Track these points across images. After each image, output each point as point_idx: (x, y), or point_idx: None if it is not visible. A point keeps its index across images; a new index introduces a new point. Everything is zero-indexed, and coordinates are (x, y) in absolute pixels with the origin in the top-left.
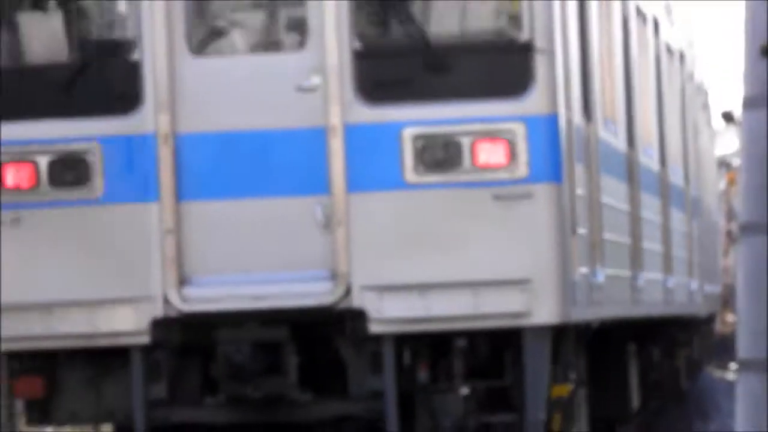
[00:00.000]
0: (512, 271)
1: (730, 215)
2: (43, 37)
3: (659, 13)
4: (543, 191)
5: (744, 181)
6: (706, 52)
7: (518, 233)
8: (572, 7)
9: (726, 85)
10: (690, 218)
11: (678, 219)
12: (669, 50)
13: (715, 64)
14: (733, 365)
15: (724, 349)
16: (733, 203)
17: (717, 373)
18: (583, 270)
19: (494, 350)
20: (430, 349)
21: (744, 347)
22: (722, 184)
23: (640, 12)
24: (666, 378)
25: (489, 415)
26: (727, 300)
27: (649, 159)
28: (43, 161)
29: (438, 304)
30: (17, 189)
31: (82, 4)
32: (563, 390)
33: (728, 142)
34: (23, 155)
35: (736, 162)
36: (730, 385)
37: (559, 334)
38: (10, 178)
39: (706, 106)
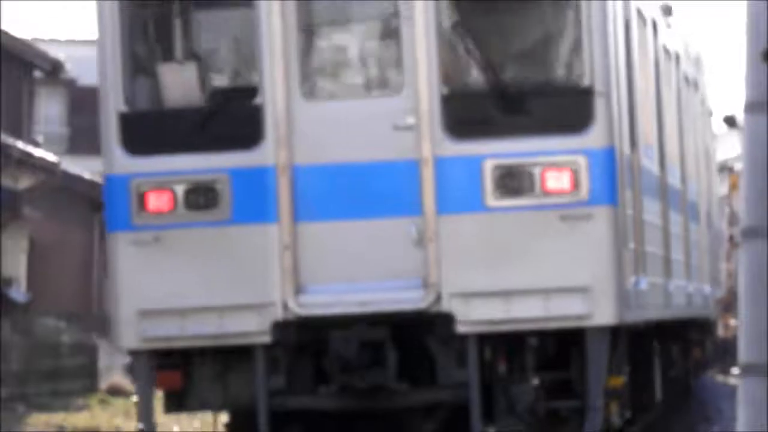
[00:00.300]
0: (576, 280)
1: (732, 220)
2: (179, 85)
3: (680, 49)
4: (602, 213)
5: (746, 186)
6: (709, 54)
7: (581, 248)
8: (621, 54)
9: (728, 89)
10: (703, 229)
11: (694, 230)
12: (687, 80)
13: (717, 68)
14: (734, 369)
15: (726, 352)
16: (735, 207)
17: (718, 377)
18: (633, 279)
19: (561, 347)
20: (507, 346)
21: (746, 351)
22: (724, 189)
23: (666, 50)
24: (679, 375)
25: (556, 401)
26: (730, 304)
27: (674, 178)
28: (180, 189)
29: (514, 308)
30: (158, 212)
31: (211, 56)
32: (618, 381)
33: (730, 146)
34: (163, 184)
35: (738, 166)
36: (732, 389)
37: (615, 333)
38: (152, 203)
39: (711, 126)
